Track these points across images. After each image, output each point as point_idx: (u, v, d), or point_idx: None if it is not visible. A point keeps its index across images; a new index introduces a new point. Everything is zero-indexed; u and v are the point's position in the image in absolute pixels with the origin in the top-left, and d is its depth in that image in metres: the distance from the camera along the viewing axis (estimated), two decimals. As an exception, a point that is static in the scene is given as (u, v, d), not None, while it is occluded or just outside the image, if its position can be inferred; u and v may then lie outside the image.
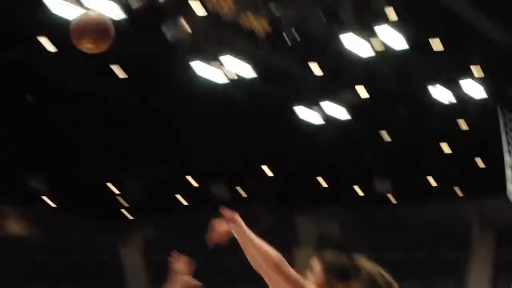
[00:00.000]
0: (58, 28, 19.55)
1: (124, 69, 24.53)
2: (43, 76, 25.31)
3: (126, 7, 18.34)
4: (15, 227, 36.62)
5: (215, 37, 21.32)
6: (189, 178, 34.54)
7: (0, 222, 35.83)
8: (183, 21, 19.56)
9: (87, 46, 4.92)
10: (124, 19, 18.98)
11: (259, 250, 4.54)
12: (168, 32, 19.57)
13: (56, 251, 34.55)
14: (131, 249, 36.28)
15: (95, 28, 4.94)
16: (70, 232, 35.63)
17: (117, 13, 18.62)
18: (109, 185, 35.18)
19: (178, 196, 35.34)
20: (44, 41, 22.26)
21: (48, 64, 24.15)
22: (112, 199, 36.15)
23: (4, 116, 27.05)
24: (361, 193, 34.78)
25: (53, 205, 35.60)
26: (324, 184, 34.23)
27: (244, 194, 35.30)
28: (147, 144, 30.43)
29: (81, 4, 17.99)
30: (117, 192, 35.64)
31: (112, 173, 33.94)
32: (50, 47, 22.60)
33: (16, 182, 32.58)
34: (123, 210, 37.15)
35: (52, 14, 19.01)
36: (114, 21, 17.93)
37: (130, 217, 37.29)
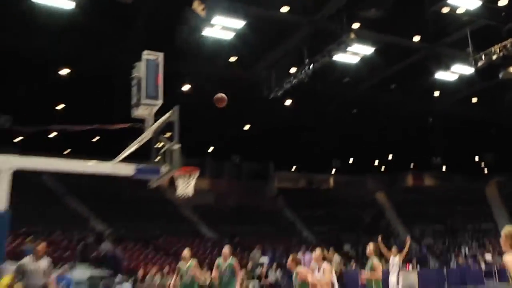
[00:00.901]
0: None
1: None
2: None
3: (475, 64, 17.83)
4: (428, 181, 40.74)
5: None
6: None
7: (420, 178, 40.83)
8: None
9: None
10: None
11: None
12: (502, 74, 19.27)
13: (447, 199, 34.55)
14: (490, 188, 36.31)
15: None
16: (456, 183, 37.30)
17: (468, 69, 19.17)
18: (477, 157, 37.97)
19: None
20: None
21: None
22: (478, 163, 38.67)
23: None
24: None
25: (444, 168, 38.93)
26: None
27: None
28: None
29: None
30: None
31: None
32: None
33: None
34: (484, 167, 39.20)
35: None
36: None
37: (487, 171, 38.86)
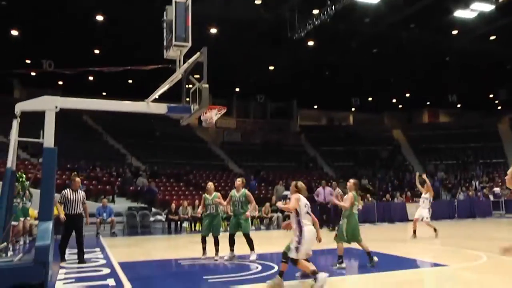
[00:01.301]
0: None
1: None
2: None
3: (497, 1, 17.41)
4: (442, 118, 40.06)
5: None
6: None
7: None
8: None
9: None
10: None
11: None
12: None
13: (461, 135, 33.55)
14: (503, 124, 35.59)
15: None
16: (470, 120, 36.34)
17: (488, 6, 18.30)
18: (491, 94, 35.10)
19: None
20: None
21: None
22: (491, 100, 36.48)
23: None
24: None
25: (459, 106, 37.01)
26: None
27: None
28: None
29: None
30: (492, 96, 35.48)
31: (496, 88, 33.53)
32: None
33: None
34: (497, 104, 37.42)
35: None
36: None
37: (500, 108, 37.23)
